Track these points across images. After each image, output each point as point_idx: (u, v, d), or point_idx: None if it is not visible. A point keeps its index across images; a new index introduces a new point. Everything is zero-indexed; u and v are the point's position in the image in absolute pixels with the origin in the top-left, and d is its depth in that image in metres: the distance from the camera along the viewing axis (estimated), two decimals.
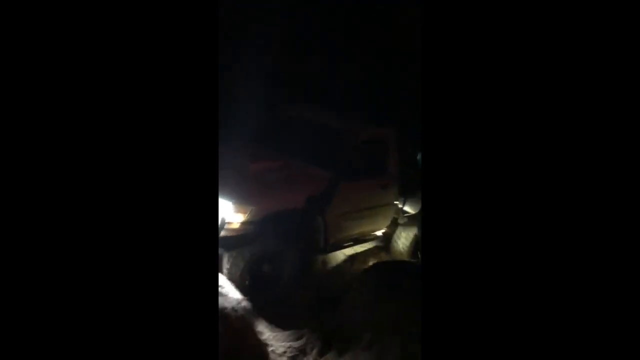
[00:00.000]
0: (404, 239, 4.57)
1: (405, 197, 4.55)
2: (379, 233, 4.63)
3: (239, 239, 3.16)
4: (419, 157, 4.70)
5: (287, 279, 3.49)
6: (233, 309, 2.82)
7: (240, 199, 3.19)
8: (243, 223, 3.17)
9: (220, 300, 2.76)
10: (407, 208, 4.61)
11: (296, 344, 2.85)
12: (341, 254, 4.50)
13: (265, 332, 2.91)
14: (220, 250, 3.21)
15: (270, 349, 2.78)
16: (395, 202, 4.45)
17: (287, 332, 2.96)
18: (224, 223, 3.05)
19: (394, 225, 4.64)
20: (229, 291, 3.08)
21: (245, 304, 2.98)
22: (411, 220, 4.66)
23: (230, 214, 3.12)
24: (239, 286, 3.27)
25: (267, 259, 3.42)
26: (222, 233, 3.07)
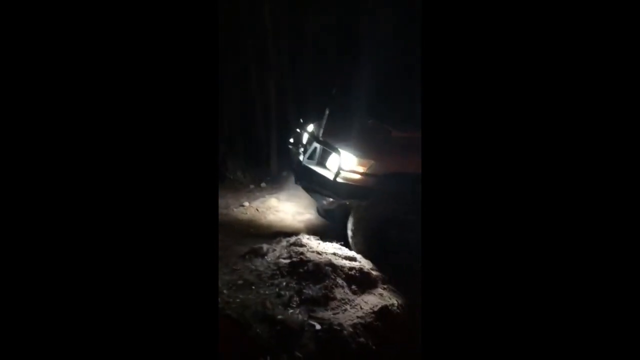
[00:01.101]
0: None
1: None
2: None
3: (356, 188, 3.14)
4: None
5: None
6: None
7: (363, 153, 3.19)
8: (364, 174, 3.14)
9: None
10: None
11: None
12: None
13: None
14: (339, 201, 3.22)
15: None
16: None
17: None
18: (339, 171, 3.11)
19: None
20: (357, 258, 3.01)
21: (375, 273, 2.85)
22: None
23: (352, 165, 3.16)
24: (364, 252, 3.16)
25: (394, 223, 3.21)
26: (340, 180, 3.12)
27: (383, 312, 2.43)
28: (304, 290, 2.50)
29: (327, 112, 3.46)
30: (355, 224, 3.25)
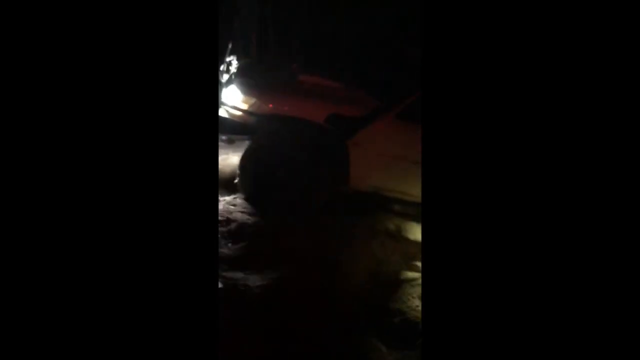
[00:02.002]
0: None
1: None
2: None
3: (237, 124, 3.10)
4: None
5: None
6: None
7: (249, 90, 3.10)
8: (245, 111, 3.05)
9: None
10: None
11: None
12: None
13: None
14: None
15: None
16: None
17: None
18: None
19: None
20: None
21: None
22: None
23: (236, 101, 3.09)
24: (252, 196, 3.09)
25: (280, 163, 3.10)
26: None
27: None
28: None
29: (229, 46, 3.31)
30: (240, 168, 3.14)
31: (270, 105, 3.04)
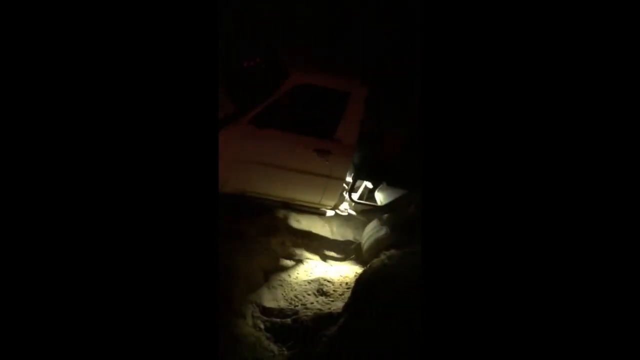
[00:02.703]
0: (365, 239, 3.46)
1: (362, 179, 3.63)
2: (329, 213, 3.69)
3: None
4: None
5: None
6: None
7: None
8: None
9: None
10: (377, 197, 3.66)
11: None
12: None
13: None
14: None
15: None
16: (341, 178, 3.38)
17: None
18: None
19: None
20: None
21: None
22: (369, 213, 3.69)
23: None
24: None
25: None
26: None
27: None
28: None
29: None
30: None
31: None
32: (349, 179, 3.63)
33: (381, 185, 3.61)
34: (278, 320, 2.60)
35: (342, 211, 3.73)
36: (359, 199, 3.77)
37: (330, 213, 3.67)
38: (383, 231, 3.24)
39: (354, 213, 3.80)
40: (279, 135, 3.18)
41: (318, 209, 3.56)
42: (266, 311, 2.69)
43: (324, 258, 3.48)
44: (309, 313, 2.60)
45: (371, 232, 3.37)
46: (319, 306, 2.71)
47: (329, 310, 2.60)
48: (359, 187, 3.85)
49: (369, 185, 3.80)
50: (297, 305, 2.75)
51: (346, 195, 3.65)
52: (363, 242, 3.42)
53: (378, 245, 3.16)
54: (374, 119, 3.40)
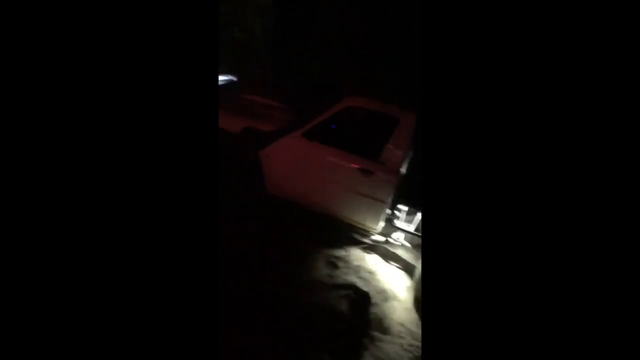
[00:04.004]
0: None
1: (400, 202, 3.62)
2: (376, 237, 3.68)
3: None
4: None
5: None
6: None
7: None
8: None
9: None
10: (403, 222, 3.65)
11: None
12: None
13: None
14: None
15: None
16: (383, 201, 3.36)
17: None
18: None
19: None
20: None
21: None
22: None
23: None
24: None
25: None
26: None
27: None
28: None
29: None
30: None
31: None
32: (404, 208, 3.61)
33: None
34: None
35: (395, 240, 3.66)
36: (415, 230, 3.62)
37: (379, 238, 3.64)
38: None
39: (408, 245, 3.67)
40: (327, 149, 3.39)
41: (367, 231, 3.54)
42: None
43: None
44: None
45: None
46: None
47: None
48: (412, 218, 3.71)
49: None
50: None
51: (398, 223, 3.59)
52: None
53: None
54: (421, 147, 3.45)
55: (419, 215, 3.60)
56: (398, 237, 3.68)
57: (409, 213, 3.60)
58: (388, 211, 3.48)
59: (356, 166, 3.32)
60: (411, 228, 3.62)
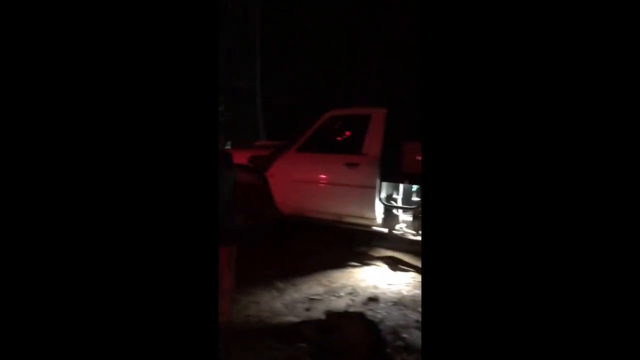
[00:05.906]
0: None
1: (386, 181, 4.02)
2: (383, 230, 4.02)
3: None
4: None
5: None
6: None
7: None
8: None
9: None
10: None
11: None
12: None
13: None
14: None
15: None
16: (371, 186, 3.84)
17: None
18: None
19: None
20: None
21: None
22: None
23: None
24: None
25: None
26: None
27: None
28: None
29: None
30: None
31: None
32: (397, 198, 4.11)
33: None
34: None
35: (397, 231, 3.95)
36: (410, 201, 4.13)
37: (383, 230, 3.97)
38: None
39: (412, 233, 3.90)
40: (318, 156, 4.17)
41: (369, 226, 3.98)
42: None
43: None
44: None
45: None
46: None
47: None
48: (397, 195, 4.13)
49: (414, 187, 4.08)
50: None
51: (397, 212, 3.96)
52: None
53: None
54: (394, 133, 3.95)
55: (402, 187, 4.06)
56: (400, 226, 4.01)
57: (395, 192, 4.09)
58: (382, 196, 3.92)
59: (343, 162, 3.98)
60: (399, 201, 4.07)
